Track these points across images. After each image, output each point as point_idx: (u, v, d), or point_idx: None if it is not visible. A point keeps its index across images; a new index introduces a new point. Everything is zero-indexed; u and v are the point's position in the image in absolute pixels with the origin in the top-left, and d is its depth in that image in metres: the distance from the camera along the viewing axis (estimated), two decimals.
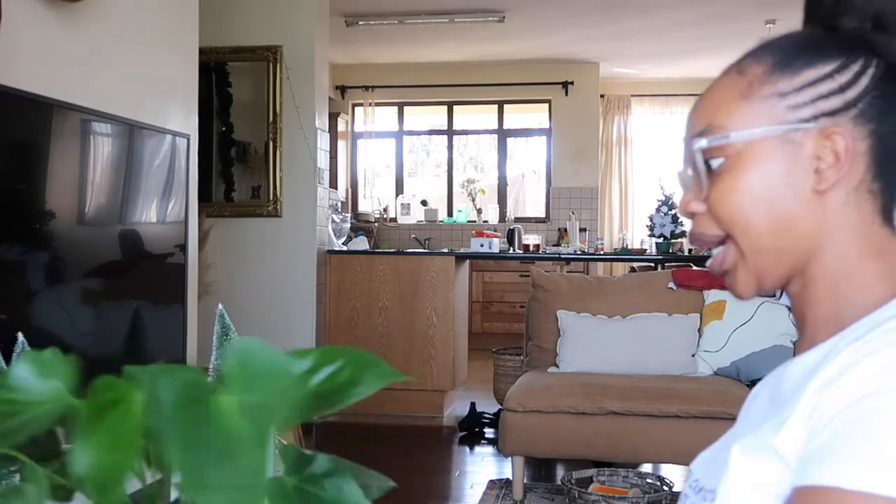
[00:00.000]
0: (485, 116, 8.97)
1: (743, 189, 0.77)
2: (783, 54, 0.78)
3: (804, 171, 0.75)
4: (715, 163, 0.78)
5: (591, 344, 3.76)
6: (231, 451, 0.43)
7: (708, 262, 0.84)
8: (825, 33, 0.78)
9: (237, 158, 5.23)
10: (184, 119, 3.36)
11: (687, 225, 0.88)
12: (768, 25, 6.48)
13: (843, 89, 0.75)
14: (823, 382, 0.67)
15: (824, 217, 0.76)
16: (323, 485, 0.52)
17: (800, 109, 0.76)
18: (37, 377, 0.49)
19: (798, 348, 0.81)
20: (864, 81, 0.75)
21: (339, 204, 6.76)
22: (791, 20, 1.20)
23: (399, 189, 8.92)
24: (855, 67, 0.75)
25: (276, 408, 0.45)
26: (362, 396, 0.51)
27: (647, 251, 5.85)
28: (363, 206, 8.82)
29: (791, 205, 0.76)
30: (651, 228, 5.21)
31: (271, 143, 5.05)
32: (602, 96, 8.71)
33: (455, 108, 8.89)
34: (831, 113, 0.75)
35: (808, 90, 0.76)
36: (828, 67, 0.76)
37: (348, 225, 5.55)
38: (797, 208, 0.76)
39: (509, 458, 3.52)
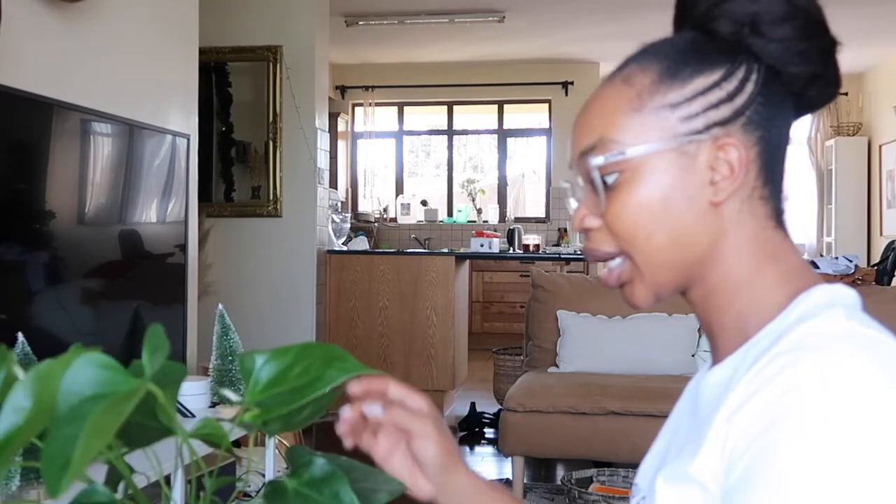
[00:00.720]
0: (485, 116, 8.96)
1: (640, 204, 0.75)
2: (669, 62, 0.76)
3: (700, 183, 0.74)
4: (610, 178, 0.76)
5: (591, 344, 3.76)
6: None
7: (602, 276, 0.82)
8: (705, 38, 0.77)
9: (237, 158, 5.23)
10: (184, 119, 3.36)
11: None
12: None
13: (731, 97, 0.74)
14: (730, 411, 0.68)
15: (721, 227, 0.75)
16: (320, 489, 0.53)
17: (692, 120, 0.74)
18: None
19: (712, 357, 0.81)
20: (750, 88, 0.74)
21: (339, 204, 6.76)
22: None
23: (399, 189, 8.92)
24: (740, 74, 0.74)
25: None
26: (328, 388, 0.54)
27: None
28: (363, 206, 8.82)
29: (689, 218, 0.75)
30: None
31: (271, 143, 5.05)
32: None
33: (455, 108, 8.89)
34: (722, 122, 0.74)
35: (699, 100, 0.74)
36: (715, 76, 0.75)
37: (348, 225, 5.55)
38: (695, 221, 0.75)
39: (509, 458, 3.52)
